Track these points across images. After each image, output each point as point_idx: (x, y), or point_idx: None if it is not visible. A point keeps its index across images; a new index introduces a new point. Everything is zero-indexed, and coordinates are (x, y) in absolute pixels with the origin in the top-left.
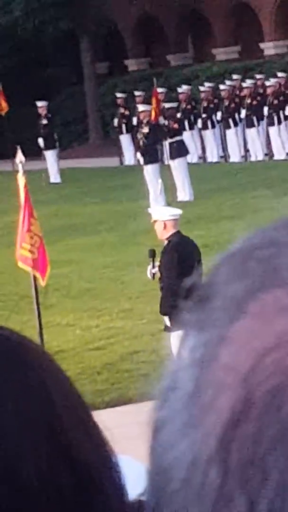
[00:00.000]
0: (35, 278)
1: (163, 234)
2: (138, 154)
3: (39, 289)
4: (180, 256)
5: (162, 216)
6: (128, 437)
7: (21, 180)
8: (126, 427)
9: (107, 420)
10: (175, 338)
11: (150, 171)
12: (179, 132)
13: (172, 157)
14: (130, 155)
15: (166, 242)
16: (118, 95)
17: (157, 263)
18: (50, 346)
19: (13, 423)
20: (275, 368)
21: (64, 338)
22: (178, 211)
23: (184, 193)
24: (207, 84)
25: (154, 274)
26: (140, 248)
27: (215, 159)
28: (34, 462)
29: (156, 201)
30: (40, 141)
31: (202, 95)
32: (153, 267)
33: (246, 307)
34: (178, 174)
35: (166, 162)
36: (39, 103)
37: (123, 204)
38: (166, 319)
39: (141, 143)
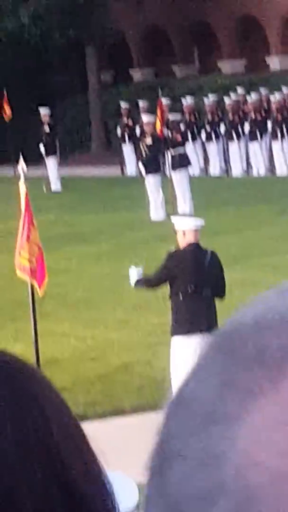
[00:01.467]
0: (32, 286)
1: (181, 244)
2: (140, 165)
3: (35, 297)
4: (176, 266)
5: (180, 225)
6: (118, 450)
7: (22, 187)
8: (118, 440)
9: (99, 432)
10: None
11: (151, 182)
12: (182, 143)
13: (174, 168)
14: (132, 165)
15: None
16: (122, 104)
17: None
18: (45, 355)
19: (13, 452)
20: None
21: (59, 347)
22: (198, 222)
23: (184, 205)
24: (211, 96)
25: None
26: (138, 260)
27: (217, 172)
28: (30, 491)
29: (156, 213)
30: (42, 147)
31: (207, 107)
32: None
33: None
34: (180, 186)
35: (167, 174)
36: (42, 110)
37: (123, 214)
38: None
39: (143, 153)
